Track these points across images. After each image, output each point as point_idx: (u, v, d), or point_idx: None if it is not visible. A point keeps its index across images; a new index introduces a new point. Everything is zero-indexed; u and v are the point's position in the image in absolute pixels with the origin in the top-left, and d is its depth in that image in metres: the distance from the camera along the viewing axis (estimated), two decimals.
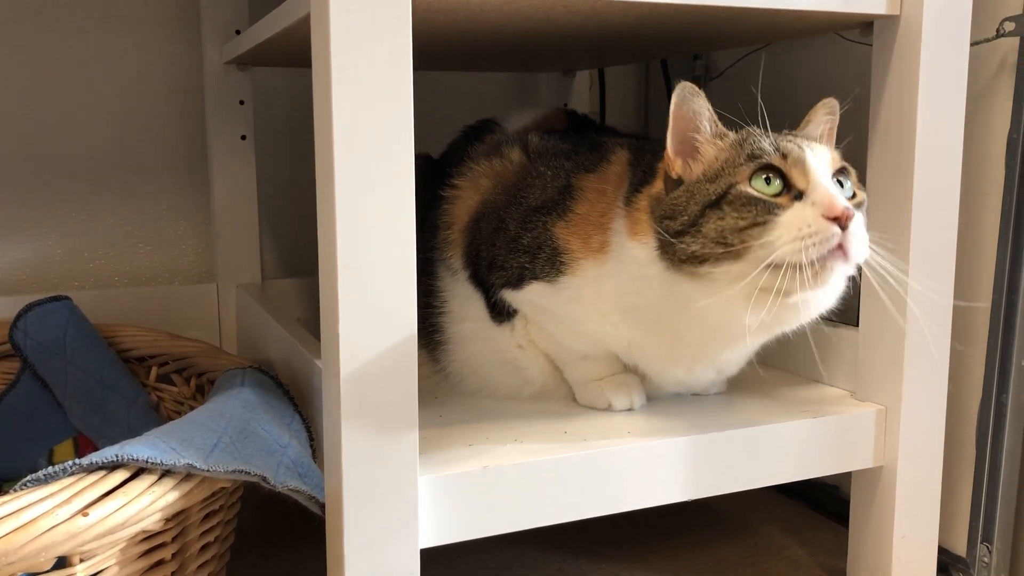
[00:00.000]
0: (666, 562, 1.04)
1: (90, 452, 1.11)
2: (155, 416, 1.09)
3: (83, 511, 0.63)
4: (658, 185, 0.82)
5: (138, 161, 1.33)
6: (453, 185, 0.95)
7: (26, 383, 1.15)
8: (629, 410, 0.90)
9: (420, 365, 0.99)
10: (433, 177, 1.01)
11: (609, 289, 0.85)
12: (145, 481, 0.68)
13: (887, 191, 0.88)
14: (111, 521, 0.64)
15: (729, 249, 0.73)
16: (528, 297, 0.89)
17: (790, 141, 0.77)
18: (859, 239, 0.72)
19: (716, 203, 0.74)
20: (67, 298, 1.15)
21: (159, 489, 0.68)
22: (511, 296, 0.90)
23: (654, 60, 1.49)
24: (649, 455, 0.82)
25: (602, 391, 0.90)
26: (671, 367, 0.88)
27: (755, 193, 0.74)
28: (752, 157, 0.76)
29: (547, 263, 0.87)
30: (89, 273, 1.33)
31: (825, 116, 0.84)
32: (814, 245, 0.70)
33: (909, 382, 0.89)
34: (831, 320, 1.03)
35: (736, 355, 0.88)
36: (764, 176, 0.74)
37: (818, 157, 0.76)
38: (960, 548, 0.98)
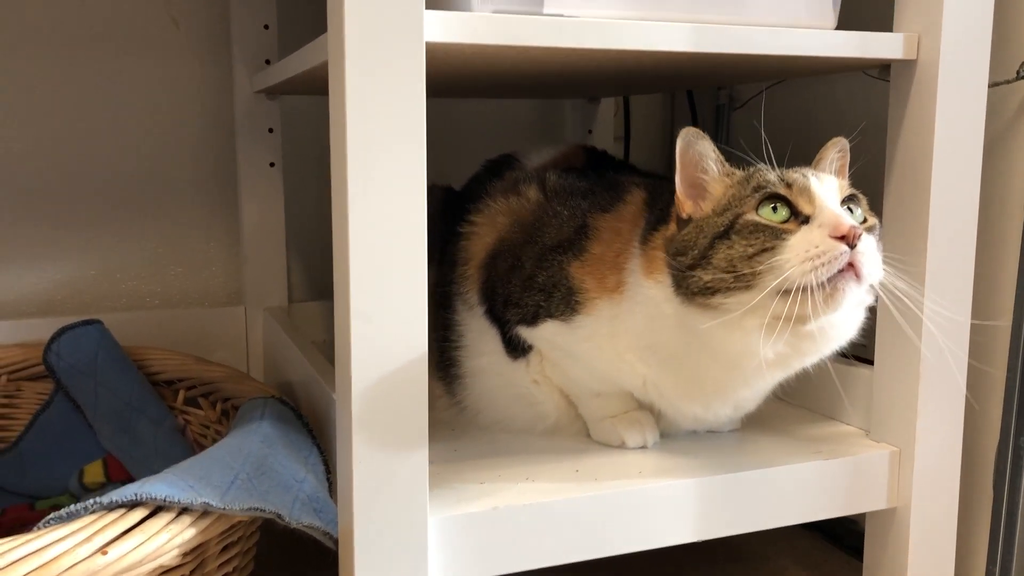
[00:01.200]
0: None
1: (118, 472, 1.15)
2: (181, 439, 1.12)
3: (102, 550, 0.65)
4: (672, 228, 0.83)
5: (171, 184, 1.36)
6: (471, 222, 0.97)
7: (59, 404, 1.19)
8: (643, 448, 0.91)
9: (437, 398, 1.01)
10: (453, 210, 1.03)
11: (624, 328, 0.86)
12: (163, 519, 0.70)
13: (902, 233, 0.88)
14: (129, 559, 0.66)
15: (740, 278, 0.74)
16: (543, 335, 0.90)
17: (796, 172, 0.78)
18: (870, 258, 0.72)
19: (725, 233, 0.76)
20: (99, 322, 1.19)
21: (176, 527, 0.70)
22: (526, 333, 0.92)
23: (679, 90, 1.50)
24: (659, 496, 0.83)
25: (615, 429, 0.91)
26: (688, 404, 0.88)
27: (762, 220, 0.75)
28: (758, 188, 0.77)
29: (562, 302, 0.88)
30: (122, 294, 1.36)
31: (835, 154, 0.85)
32: (823, 265, 0.71)
33: (923, 424, 0.89)
34: (850, 357, 1.04)
35: (754, 391, 0.88)
36: (771, 205, 0.75)
37: (824, 185, 0.77)
38: None
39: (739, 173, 0.81)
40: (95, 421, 1.17)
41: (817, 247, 0.71)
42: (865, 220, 0.79)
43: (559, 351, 0.91)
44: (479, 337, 0.96)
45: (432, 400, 1.01)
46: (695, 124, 1.47)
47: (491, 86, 1.16)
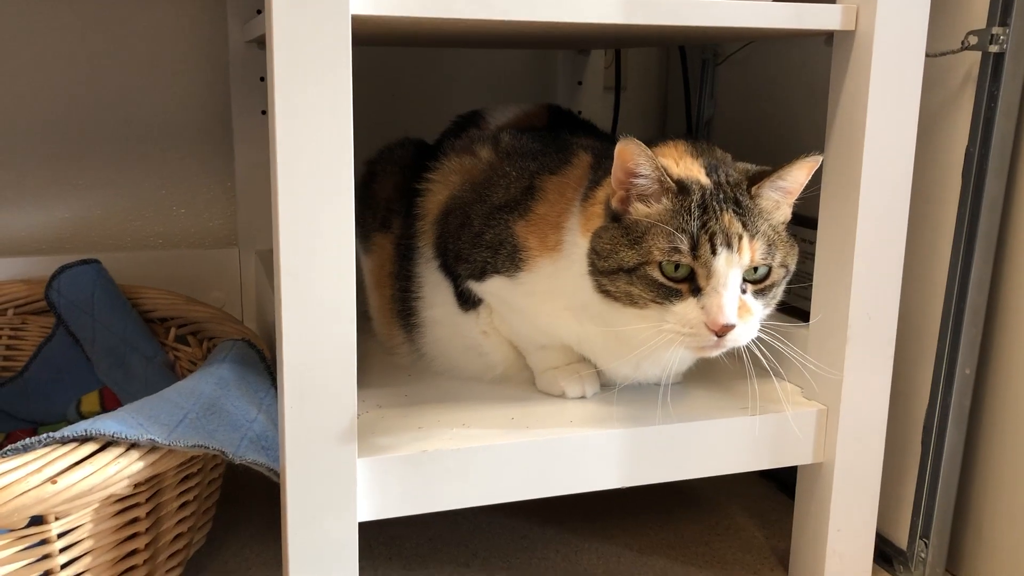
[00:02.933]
0: (626, 536, 1.11)
1: (113, 403, 1.23)
2: (170, 374, 1.19)
3: (52, 479, 0.72)
4: (608, 188, 0.86)
5: (173, 129, 1.42)
6: (427, 179, 1.01)
7: (60, 337, 1.27)
8: (582, 398, 0.96)
9: (399, 344, 1.07)
10: (424, 165, 1.07)
11: (561, 286, 0.91)
12: (112, 453, 0.77)
13: (837, 202, 0.91)
14: (78, 488, 0.74)
15: (633, 304, 0.83)
16: (490, 289, 0.95)
17: (715, 237, 0.80)
18: (736, 339, 0.81)
19: (629, 272, 0.82)
20: (96, 261, 1.26)
21: (124, 460, 0.77)
22: (475, 287, 0.97)
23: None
24: (584, 445, 0.88)
25: (557, 380, 0.96)
26: (617, 363, 0.93)
27: (660, 279, 0.81)
28: (671, 243, 0.80)
29: (507, 259, 0.93)
30: (125, 234, 1.44)
31: (803, 174, 0.84)
32: (692, 342, 0.81)
33: (850, 385, 0.92)
34: (792, 315, 1.07)
35: (675, 356, 0.92)
36: (674, 263, 0.81)
37: (732, 261, 0.80)
38: (903, 542, 1.02)
39: (668, 200, 0.82)
40: (93, 355, 1.25)
41: (692, 328, 0.80)
42: (768, 274, 0.83)
43: (505, 305, 0.96)
44: (434, 289, 1.02)
45: (394, 347, 1.08)
46: (685, 77, 1.49)
47: (480, 36, 1.19)
